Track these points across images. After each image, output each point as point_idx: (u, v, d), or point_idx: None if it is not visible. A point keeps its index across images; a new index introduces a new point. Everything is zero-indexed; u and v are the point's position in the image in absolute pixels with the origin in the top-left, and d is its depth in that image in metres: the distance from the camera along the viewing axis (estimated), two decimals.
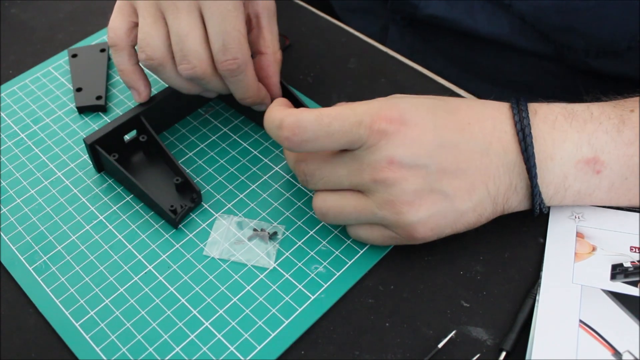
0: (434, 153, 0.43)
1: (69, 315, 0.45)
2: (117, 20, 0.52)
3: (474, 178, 0.44)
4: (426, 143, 0.43)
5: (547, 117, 0.45)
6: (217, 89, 0.51)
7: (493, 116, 0.45)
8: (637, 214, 0.48)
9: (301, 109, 0.44)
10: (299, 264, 0.48)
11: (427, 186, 0.43)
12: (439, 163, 0.43)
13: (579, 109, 0.46)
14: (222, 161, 0.54)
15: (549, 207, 0.47)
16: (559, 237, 0.47)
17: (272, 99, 0.53)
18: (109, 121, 0.57)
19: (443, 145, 0.43)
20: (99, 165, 0.53)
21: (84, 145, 0.55)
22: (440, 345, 0.43)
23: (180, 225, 0.50)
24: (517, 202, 0.46)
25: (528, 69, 0.63)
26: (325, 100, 0.58)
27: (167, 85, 0.54)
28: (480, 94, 0.56)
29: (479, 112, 0.45)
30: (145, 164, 0.54)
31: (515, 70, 0.64)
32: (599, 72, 0.58)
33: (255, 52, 0.52)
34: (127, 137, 0.54)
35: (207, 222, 0.50)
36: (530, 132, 0.44)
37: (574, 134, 0.45)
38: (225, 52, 0.47)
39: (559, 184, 0.45)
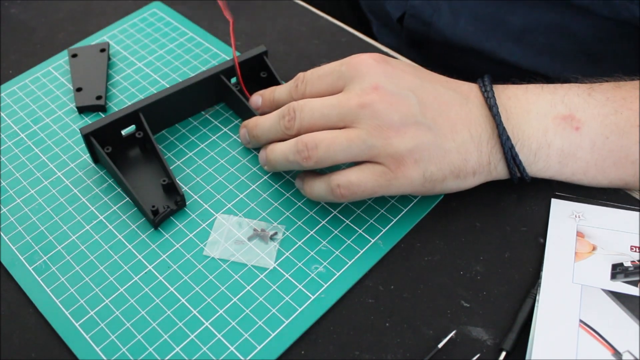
0: (416, 89, 0.46)
1: (69, 315, 0.45)
2: None
3: (455, 121, 0.46)
4: (408, 80, 0.47)
5: (519, 86, 0.49)
6: None
7: (467, 84, 0.50)
8: (637, 213, 0.48)
9: None
10: (299, 264, 0.48)
11: (412, 117, 0.45)
12: (421, 98, 0.46)
13: (548, 84, 0.49)
14: (222, 161, 0.54)
15: (530, 177, 0.48)
16: (559, 237, 0.47)
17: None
18: None
19: (423, 86, 0.47)
20: (94, 156, 0.54)
21: (84, 145, 0.55)
22: (440, 345, 0.43)
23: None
24: (502, 153, 0.47)
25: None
26: None
27: (167, 86, 0.54)
28: None
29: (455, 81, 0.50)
30: (139, 160, 0.54)
31: None
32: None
33: None
34: (126, 132, 0.54)
35: (207, 222, 0.50)
36: (492, 90, 0.47)
37: (547, 95, 0.48)
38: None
39: (540, 138, 0.47)
